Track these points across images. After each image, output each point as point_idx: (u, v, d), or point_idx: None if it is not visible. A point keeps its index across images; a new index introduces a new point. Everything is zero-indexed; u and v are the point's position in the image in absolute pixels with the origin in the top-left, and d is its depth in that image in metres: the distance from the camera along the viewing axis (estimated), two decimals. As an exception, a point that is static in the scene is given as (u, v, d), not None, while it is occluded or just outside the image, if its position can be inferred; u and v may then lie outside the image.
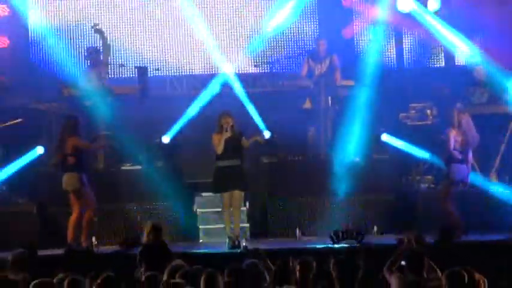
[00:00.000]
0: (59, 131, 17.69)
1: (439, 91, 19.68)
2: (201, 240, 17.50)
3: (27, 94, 19.98)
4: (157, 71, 20.35)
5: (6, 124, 18.54)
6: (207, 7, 21.23)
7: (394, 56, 21.17)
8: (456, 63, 20.87)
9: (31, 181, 18.28)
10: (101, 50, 19.85)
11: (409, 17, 20.01)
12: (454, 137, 16.63)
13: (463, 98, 19.04)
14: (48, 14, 20.82)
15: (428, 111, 18.93)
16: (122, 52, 20.68)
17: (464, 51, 20.25)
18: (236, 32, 21.62)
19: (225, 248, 15.96)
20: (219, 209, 17.43)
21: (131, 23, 21.12)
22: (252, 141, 17.28)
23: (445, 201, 16.62)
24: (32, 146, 18.15)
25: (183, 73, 20.93)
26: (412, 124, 18.90)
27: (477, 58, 19.90)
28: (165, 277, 9.84)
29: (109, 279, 9.13)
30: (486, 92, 19.55)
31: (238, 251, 15.38)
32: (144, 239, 13.67)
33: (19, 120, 18.60)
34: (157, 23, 21.22)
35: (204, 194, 18.17)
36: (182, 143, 19.07)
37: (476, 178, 17.52)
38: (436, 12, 20.04)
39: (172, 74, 20.88)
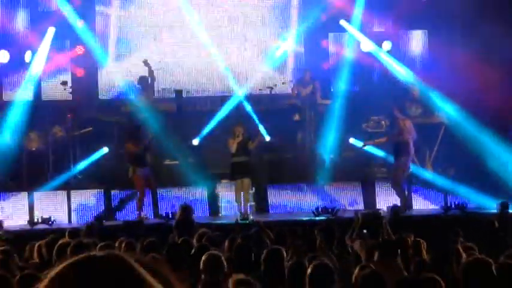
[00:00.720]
0: (120, 136, 18.97)
1: (390, 107, 18.81)
2: (220, 214, 17.79)
3: (95, 110, 20.27)
4: (188, 93, 20.30)
5: (82, 132, 18.69)
6: (227, 47, 20.34)
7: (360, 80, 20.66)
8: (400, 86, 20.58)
9: (99, 171, 18.62)
10: (149, 78, 19.71)
11: (369, 54, 20.09)
12: (405, 134, 16.72)
13: (404, 111, 19.25)
14: (111, 50, 20.59)
15: (383, 122, 18.93)
16: (164, 79, 20.32)
17: (406, 77, 19.96)
18: (247, 64, 20.82)
19: (237, 220, 16.29)
20: (234, 192, 17.78)
21: (172, 59, 20.26)
22: (257, 143, 17.75)
23: (397, 184, 16.77)
24: (99, 147, 18.40)
25: (208, 94, 20.60)
26: (371, 131, 18.88)
27: (414, 82, 19.93)
28: (194, 241, 10.39)
29: (152, 243, 9.79)
30: (420, 107, 19.63)
31: (247, 222, 15.69)
32: (177, 215, 14.13)
33: (90, 128, 18.72)
34: (190, 60, 20.28)
35: (223, 181, 18.46)
36: (207, 144, 19.10)
37: (416, 168, 18.03)
38: (389, 51, 19.76)
39: (200, 95, 20.62)
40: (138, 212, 17.25)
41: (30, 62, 19.25)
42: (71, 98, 20.49)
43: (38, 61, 19.38)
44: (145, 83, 20.38)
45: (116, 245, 10.12)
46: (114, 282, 1.75)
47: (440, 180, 18.31)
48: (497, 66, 19.20)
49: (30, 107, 19.20)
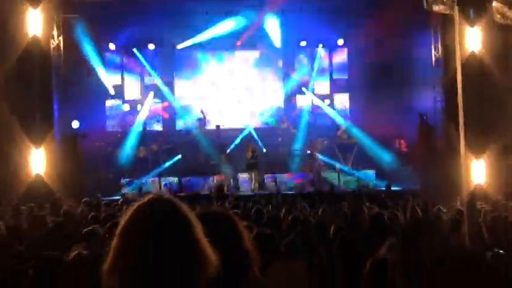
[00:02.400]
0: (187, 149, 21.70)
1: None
2: (240, 190, 20.13)
3: (174, 135, 23.13)
4: (222, 126, 23.05)
5: (167, 147, 22.10)
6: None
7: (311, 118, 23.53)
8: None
9: (176, 167, 21.34)
10: (202, 119, 22.88)
11: (317, 106, 23.39)
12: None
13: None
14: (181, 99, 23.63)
15: (325, 142, 22.17)
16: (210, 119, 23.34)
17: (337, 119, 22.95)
18: (253, 106, 23.97)
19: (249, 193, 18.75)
20: (248, 178, 20.62)
21: (214, 108, 23.58)
22: (258, 153, 20.91)
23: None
24: (176, 155, 21.77)
25: (233, 127, 23.29)
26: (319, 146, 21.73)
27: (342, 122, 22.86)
28: (227, 204, 12.29)
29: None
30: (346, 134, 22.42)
31: (254, 194, 18.15)
32: (214, 191, 17.34)
33: (171, 146, 22.25)
34: (223, 108, 23.85)
35: (242, 173, 20.93)
36: (233, 153, 21.61)
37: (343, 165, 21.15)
38: (328, 105, 23.48)
39: (229, 127, 23.13)
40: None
41: (139, 111, 22.78)
42: (161, 129, 23.49)
43: (144, 110, 22.83)
44: (201, 121, 22.92)
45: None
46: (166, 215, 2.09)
47: (356, 172, 21.12)
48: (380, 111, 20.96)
49: (140, 134, 22.39)
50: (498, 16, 13.44)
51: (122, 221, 2.15)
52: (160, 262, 2.04)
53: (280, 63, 23.63)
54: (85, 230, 6.87)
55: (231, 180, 20.58)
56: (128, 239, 2.09)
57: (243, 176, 20.89)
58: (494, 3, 13.32)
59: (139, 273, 2.04)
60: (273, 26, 22.34)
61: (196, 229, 2.15)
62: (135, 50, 22.59)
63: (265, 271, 5.17)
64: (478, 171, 11.80)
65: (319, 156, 21.40)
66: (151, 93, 22.88)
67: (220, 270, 2.17)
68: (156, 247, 2.05)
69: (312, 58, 23.53)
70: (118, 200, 14.51)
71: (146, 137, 22.49)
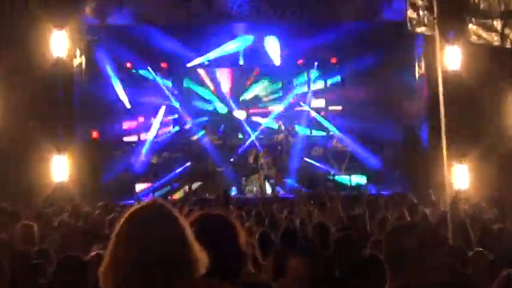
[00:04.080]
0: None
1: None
2: (244, 193, 20.51)
3: (182, 145, 23.00)
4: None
5: (177, 155, 22.47)
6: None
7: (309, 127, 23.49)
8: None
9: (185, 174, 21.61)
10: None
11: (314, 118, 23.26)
12: None
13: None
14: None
15: (321, 150, 22.46)
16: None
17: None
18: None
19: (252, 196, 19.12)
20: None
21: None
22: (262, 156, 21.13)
23: None
24: (186, 162, 22.11)
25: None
26: (315, 154, 22.44)
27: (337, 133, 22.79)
28: (231, 207, 12.51)
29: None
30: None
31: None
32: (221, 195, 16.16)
33: (181, 154, 22.57)
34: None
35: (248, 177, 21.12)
36: (238, 160, 21.87)
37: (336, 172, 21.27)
38: (322, 116, 23.49)
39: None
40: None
41: (152, 123, 22.92)
42: (170, 139, 23.35)
43: (157, 122, 23.00)
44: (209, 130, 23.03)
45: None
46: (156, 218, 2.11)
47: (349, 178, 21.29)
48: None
49: (153, 143, 22.61)
50: (474, 37, 13.51)
51: (117, 225, 2.18)
52: (151, 261, 2.04)
53: (280, 83, 23.85)
54: (101, 233, 6.66)
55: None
56: (121, 242, 2.10)
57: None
58: (470, 25, 13.41)
59: (132, 274, 2.03)
60: (272, 45, 22.44)
61: (186, 231, 2.16)
62: (149, 68, 22.80)
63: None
64: (460, 177, 11.65)
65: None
66: (163, 107, 23.16)
67: (212, 269, 2.16)
68: (147, 247, 2.06)
69: (308, 75, 23.67)
70: (132, 203, 14.41)
71: (158, 146, 22.84)
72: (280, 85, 23.91)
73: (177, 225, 2.16)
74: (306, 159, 21.76)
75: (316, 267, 5.03)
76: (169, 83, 23.31)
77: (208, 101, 23.91)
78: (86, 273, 4.85)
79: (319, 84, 23.59)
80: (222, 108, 23.95)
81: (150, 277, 2.03)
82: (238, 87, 23.81)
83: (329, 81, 23.56)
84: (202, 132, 23.18)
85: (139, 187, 20.68)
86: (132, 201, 15.66)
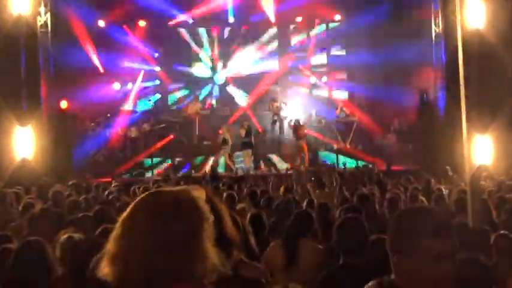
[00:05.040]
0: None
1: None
2: (234, 169, 19.89)
3: (167, 115, 23.03)
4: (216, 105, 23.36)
5: (159, 126, 22.28)
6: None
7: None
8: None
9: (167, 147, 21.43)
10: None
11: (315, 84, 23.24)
12: None
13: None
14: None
15: (322, 120, 22.52)
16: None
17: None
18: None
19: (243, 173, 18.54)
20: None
21: None
22: (256, 132, 21.07)
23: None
24: (168, 135, 21.95)
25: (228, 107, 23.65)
26: (316, 125, 22.21)
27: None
28: (220, 185, 12.39)
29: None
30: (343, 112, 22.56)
31: (250, 174, 18.13)
32: (208, 171, 17.26)
33: (164, 125, 22.27)
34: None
35: (238, 151, 20.90)
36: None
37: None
38: (325, 82, 23.33)
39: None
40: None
41: (130, 89, 22.98)
42: (153, 109, 23.51)
43: (135, 89, 23.00)
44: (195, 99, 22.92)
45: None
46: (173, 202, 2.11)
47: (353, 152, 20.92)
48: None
49: (131, 113, 22.68)
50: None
51: (125, 212, 2.13)
52: (162, 253, 2.06)
53: (276, 42, 23.75)
54: (74, 216, 6.67)
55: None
56: (130, 229, 2.09)
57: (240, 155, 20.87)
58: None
59: (140, 263, 2.04)
60: (267, 1, 22.29)
61: (204, 224, 2.15)
62: (125, 27, 22.71)
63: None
64: (482, 150, 11.64)
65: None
66: (142, 72, 23.06)
67: None
68: (159, 238, 2.06)
69: (309, 33, 23.76)
70: (109, 182, 14.47)
71: (137, 117, 22.76)
72: (275, 46, 23.88)
73: (194, 223, 2.13)
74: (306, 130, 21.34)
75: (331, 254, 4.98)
76: (148, 45, 23.39)
77: (194, 65, 24.07)
78: (49, 261, 4.70)
79: (321, 45, 23.68)
80: (208, 73, 24.14)
81: (150, 276, 2.05)
82: (227, 49, 23.95)
83: (332, 42, 23.75)
84: (187, 101, 23.28)
85: (116, 164, 20.40)
86: (109, 180, 15.79)
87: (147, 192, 2.20)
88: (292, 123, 20.59)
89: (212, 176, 15.38)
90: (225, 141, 19.97)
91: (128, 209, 2.13)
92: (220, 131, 20.28)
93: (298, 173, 16.39)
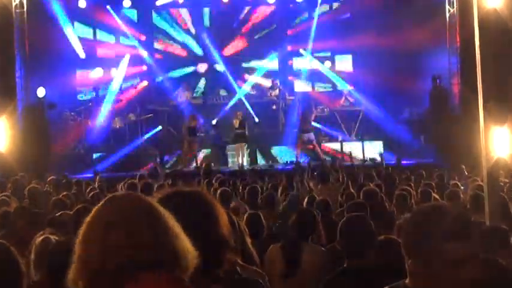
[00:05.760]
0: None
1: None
2: (228, 165, 20.65)
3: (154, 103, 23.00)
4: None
5: (146, 117, 22.14)
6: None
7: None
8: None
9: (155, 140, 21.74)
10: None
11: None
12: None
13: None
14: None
15: (326, 110, 22.50)
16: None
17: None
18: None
19: (236, 168, 18.57)
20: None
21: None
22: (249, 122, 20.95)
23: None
24: (156, 126, 22.16)
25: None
26: (318, 115, 21.77)
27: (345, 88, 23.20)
28: (213, 181, 12.20)
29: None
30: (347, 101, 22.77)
31: (244, 169, 17.91)
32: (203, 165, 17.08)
33: (151, 115, 22.22)
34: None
35: (230, 145, 21.20)
36: (221, 123, 22.07)
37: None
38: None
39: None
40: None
41: (114, 76, 22.80)
42: (139, 97, 23.12)
43: (120, 75, 22.86)
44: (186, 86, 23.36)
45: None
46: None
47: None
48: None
49: (115, 102, 22.55)
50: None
51: (85, 223, 2.21)
52: (133, 259, 2.12)
53: (274, 25, 23.81)
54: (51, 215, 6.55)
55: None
56: (90, 242, 2.17)
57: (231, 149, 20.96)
58: None
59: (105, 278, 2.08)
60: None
61: (171, 222, 2.22)
62: (108, 7, 22.59)
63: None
64: (500, 141, 11.62)
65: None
66: (127, 56, 22.98)
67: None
68: (122, 243, 2.12)
69: (310, 15, 23.59)
70: (90, 178, 14.44)
71: (122, 106, 22.78)
72: (274, 27, 23.93)
73: (160, 218, 2.22)
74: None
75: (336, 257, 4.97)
76: (134, 27, 23.34)
77: (184, 47, 24.19)
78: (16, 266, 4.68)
79: (324, 27, 23.49)
80: (200, 55, 24.25)
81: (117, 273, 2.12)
82: (222, 32, 23.95)
83: (336, 24, 23.65)
84: (178, 87, 23.38)
85: (99, 158, 20.53)
86: (91, 176, 15.79)
87: (105, 200, 2.26)
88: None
89: (206, 171, 15.34)
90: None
91: (88, 218, 2.21)
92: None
93: (298, 167, 16.45)
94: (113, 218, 2.17)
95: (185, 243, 2.20)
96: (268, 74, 23.84)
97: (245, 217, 6.64)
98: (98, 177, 14.33)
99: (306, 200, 8.60)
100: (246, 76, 23.88)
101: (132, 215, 2.18)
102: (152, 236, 2.15)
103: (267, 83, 23.68)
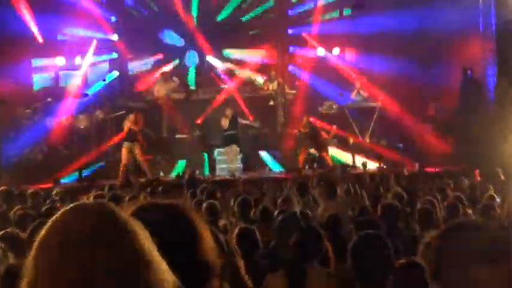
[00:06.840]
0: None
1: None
2: (216, 173, 20.65)
3: (126, 99, 23.39)
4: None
5: (116, 114, 22.08)
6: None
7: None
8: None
9: None
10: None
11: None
12: None
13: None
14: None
15: (334, 106, 22.88)
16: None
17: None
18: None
19: (227, 176, 19.04)
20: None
21: None
22: (244, 123, 21.55)
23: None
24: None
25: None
26: (325, 112, 22.59)
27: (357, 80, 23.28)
28: (198, 192, 12.37)
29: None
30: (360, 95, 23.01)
31: (234, 178, 17.97)
32: (186, 176, 17.10)
33: (123, 112, 21.83)
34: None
35: (218, 148, 21.44)
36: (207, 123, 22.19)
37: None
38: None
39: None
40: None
41: (79, 65, 22.78)
42: (106, 90, 23.28)
43: (86, 65, 22.94)
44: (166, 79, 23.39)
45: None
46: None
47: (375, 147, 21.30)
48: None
49: (80, 97, 22.53)
50: None
51: (38, 238, 2.05)
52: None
53: (272, 1, 23.93)
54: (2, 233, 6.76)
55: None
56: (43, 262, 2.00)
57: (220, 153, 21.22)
58: None
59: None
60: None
61: (144, 241, 2.07)
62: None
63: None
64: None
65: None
66: (95, 42, 23.06)
67: None
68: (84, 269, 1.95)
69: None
70: (51, 189, 14.50)
71: (88, 101, 22.79)
72: (271, 4, 24.10)
73: (130, 236, 2.07)
74: (311, 119, 21.56)
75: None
76: (102, 6, 23.51)
77: (164, 31, 24.20)
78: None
79: (332, 6, 23.81)
80: (182, 41, 24.39)
81: None
82: (207, 12, 24.06)
83: (346, 2, 23.82)
84: (156, 81, 23.39)
85: (61, 164, 20.36)
86: (50, 185, 15.86)
87: (59, 212, 2.11)
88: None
89: (190, 181, 15.63)
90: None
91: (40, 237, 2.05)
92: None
93: (298, 176, 16.84)
94: (69, 238, 2.03)
95: (162, 272, 2.08)
96: (264, 64, 24.02)
97: (236, 233, 6.68)
98: (57, 188, 14.47)
99: (309, 214, 8.64)
100: (238, 67, 24.03)
101: (97, 232, 2.04)
102: (119, 267, 2.01)
103: (262, 74, 23.89)
